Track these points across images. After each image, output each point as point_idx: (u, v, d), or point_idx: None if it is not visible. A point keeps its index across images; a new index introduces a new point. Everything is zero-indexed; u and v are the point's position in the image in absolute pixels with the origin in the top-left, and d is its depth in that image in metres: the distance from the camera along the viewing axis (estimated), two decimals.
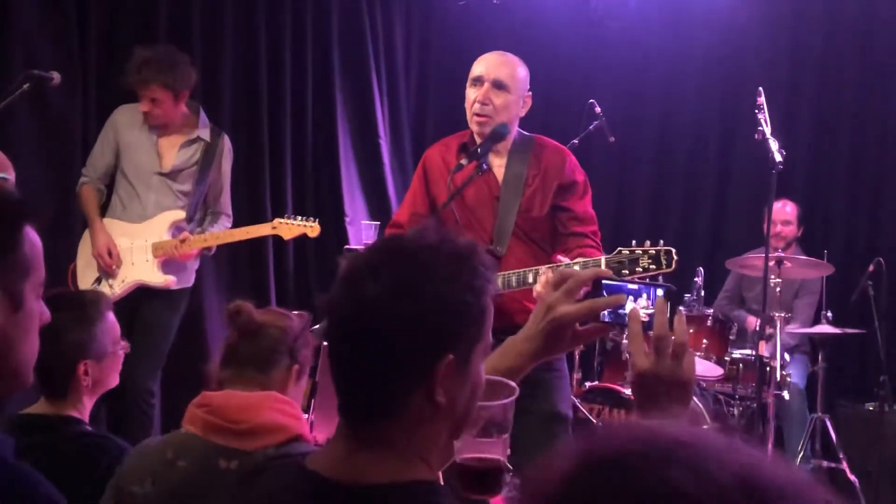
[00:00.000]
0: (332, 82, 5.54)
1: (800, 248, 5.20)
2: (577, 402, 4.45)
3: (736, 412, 4.89)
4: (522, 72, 3.13)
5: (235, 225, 4.34)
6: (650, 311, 1.33)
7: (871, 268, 4.90)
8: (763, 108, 3.92)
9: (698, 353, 4.70)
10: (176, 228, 4.12)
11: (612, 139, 4.99)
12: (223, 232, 4.20)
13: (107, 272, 4.03)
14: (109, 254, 4.01)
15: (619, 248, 2.71)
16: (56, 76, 3.59)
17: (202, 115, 4.23)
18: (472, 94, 3.09)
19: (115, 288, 4.02)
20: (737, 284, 5.42)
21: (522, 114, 3.16)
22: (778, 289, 4.54)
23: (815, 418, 4.67)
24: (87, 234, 4.13)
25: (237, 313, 2.06)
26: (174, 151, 4.15)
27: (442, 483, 1.26)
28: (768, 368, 4.22)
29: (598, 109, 4.93)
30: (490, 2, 5.92)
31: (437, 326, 1.17)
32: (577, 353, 5.04)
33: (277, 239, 4.44)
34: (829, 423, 4.64)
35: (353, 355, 1.19)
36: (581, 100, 5.12)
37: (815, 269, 4.81)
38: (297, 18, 5.38)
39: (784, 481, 0.63)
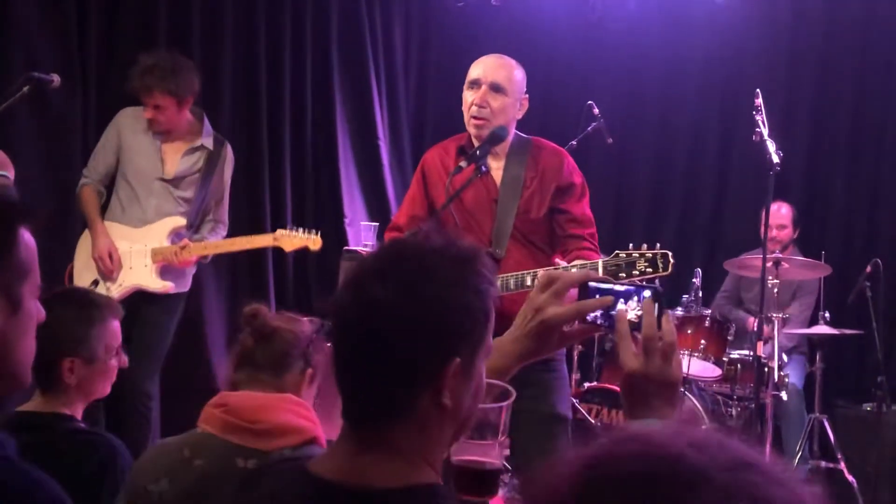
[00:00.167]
0: (332, 83, 5.54)
1: (797, 249, 5.19)
2: (575, 402, 4.46)
3: (734, 412, 4.90)
4: (519, 74, 3.14)
5: (233, 226, 4.34)
6: (639, 312, 1.34)
7: (868, 269, 4.89)
8: (760, 110, 3.93)
9: (696, 354, 4.71)
10: (176, 235, 4.11)
11: (610, 141, 4.98)
12: (224, 241, 4.19)
13: (106, 275, 4.04)
14: (110, 257, 4.01)
15: (617, 252, 2.71)
16: (56, 79, 3.59)
17: (206, 122, 4.22)
18: (469, 96, 3.10)
19: (113, 291, 4.00)
20: (735, 285, 5.42)
21: (519, 116, 3.17)
22: (776, 290, 4.55)
23: (813, 419, 4.66)
24: (85, 235, 4.12)
25: (254, 316, 2.07)
26: (177, 158, 4.14)
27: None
28: (766, 369, 4.23)
29: (596, 111, 4.92)
30: (489, 3, 5.93)
31: (445, 329, 1.18)
32: (575, 353, 5.05)
33: None
34: (827, 424, 4.64)
35: (361, 358, 1.20)
36: (579, 101, 5.10)
37: (813, 270, 4.81)
38: (297, 19, 5.38)
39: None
